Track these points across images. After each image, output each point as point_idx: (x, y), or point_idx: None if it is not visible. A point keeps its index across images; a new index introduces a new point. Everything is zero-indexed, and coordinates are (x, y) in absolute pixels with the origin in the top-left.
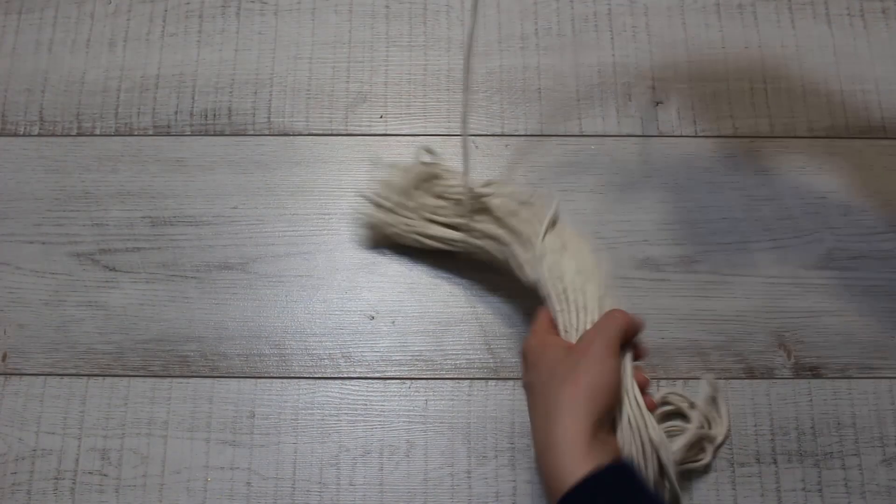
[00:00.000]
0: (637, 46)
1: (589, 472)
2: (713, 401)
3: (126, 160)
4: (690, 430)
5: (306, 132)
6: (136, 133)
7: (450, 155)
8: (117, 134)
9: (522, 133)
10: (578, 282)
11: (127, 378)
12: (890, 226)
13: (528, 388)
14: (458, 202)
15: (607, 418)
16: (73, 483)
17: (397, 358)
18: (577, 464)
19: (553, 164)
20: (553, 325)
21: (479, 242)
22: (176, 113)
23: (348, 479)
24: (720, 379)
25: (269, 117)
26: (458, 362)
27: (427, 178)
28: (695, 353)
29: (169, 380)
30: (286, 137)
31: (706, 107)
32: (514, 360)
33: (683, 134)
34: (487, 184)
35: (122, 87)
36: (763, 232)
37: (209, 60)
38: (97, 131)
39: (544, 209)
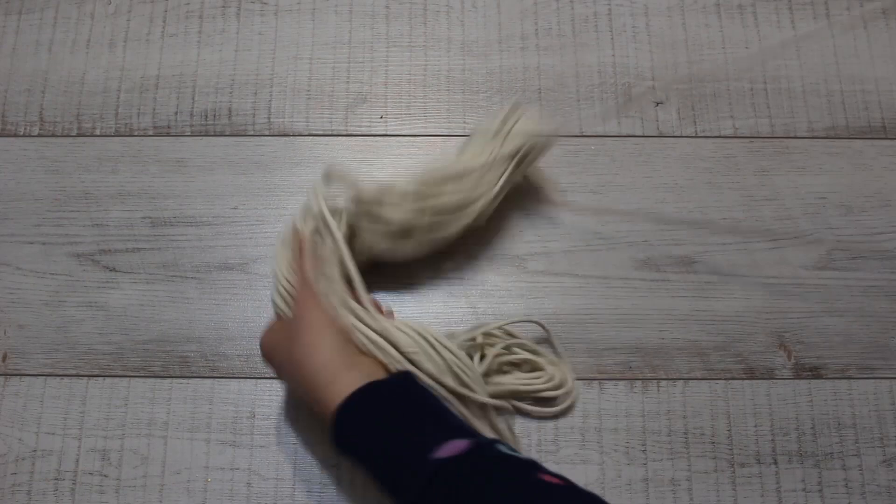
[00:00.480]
0: (637, 46)
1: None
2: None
3: (126, 161)
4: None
5: (306, 132)
6: (136, 133)
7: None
8: (117, 134)
9: None
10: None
11: (127, 378)
12: (890, 226)
13: (281, 373)
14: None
15: (349, 347)
16: (74, 483)
17: None
18: (343, 374)
19: (553, 164)
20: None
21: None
22: (176, 113)
23: (348, 479)
24: (720, 380)
25: (269, 118)
26: None
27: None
28: (695, 354)
29: (169, 380)
30: (286, 138)
31: (706, 107)
32: None
33: (683, 134)
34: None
35: (122, 88)
36: (763, 232)
37: (209, 61)
38: (97, 132)
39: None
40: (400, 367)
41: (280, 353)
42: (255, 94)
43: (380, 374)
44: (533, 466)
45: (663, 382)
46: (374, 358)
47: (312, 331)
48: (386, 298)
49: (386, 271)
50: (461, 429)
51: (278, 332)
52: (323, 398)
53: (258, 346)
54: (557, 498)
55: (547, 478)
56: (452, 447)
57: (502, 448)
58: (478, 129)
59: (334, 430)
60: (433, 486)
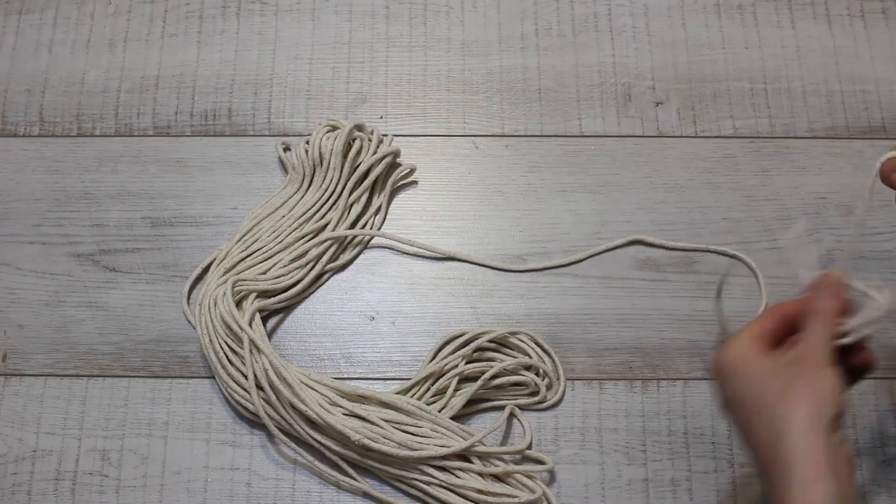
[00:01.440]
0: (637, 46)
1: None
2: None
3: (126, 161)
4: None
5: (306, 133)
6: (136, 134)
7: (449, 155)
8: (117, 134)
9: (522, 133)
10: None
11: (127, 378)
12: (890, 226)
13: (734, 405)
14: None
15: (838, 423)
16: (74, 484)
17: (397, 359)
18: (815, 483)
19: (553, 165)
20: (764, 336)
21: None
22: (176, 113)
23: (348, 479)
24: None
25: (269, 118)
26: None
27: None
28: (695, 354)
29: (169, 380)
30: (286, 138)
31: (706, 107)
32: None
33: (683, 134)
34: None
35: (122, 88)
36: (763, 232)
37: (209, 61)
38: (97, 132)
39: None
40: None
41: (748, 386)
42: (255, 94)
43: (852, 481)
44: None
45: (663, 382)
46: (845, 448)
47: (796, 402)
48: (386, 299)
49: (386, 271)
50: None
51: (762, 362)
52: (773, 489)
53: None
54: None
55: None
56: None
57: None
58: None
59: None
60: None
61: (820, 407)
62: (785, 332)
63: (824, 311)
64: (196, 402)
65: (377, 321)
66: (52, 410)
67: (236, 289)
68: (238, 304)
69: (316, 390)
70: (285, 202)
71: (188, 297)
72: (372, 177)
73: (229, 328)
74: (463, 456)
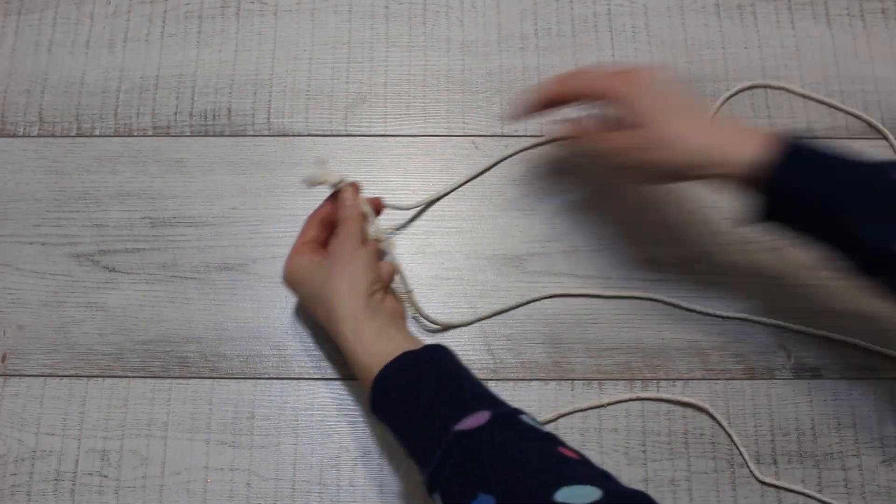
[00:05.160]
0: (637, 46)
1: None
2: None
3: (125, 161)
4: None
5: (306, 133)
6: (135, 134)
7: (449, 155)
8: (117, 135)
9: (522, 133)
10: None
11: (127, 379)
12: None
13: (306, 303)
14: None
15: (378, 285)
16: (73, 484)
17: None
18: (355, 321)
19: (553, 164)
20: (310, 242)
21: None
22: (175, 114)
23: (348, 480)
24: (720, 380)
25: (268, 118)
26: None
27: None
28: (695, 354)
29: (169, 381)
30: (286, 138)
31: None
32: (513, 360)
33: None
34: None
35: (121, 88)
36: (763, 232)
37: (209, 61)
38: (97, 132)
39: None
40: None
41: (304, 285)
42: (255, 94)
43: (399, 322)
44: (552, 440)
45: (663, 382)
46: (392, 300)
47: (343, 274)
48: None
49: None
50: (485, 400)
51: (307, 263)
52: (344, 344)
53: (282, 269)
54: (574, 470)
55: (565, 452)
56: (475, 419)
57: (524, 419)
58: None
59: (371, 399)
60: (452, 457)
61: (355, 276)
62: (326, 233)
63: (347, 217)
64: (196, 403)
65: None
66: (51, 411)
67: None
68: None
69: None
70: None
71: None
72: None
73: None
74: None
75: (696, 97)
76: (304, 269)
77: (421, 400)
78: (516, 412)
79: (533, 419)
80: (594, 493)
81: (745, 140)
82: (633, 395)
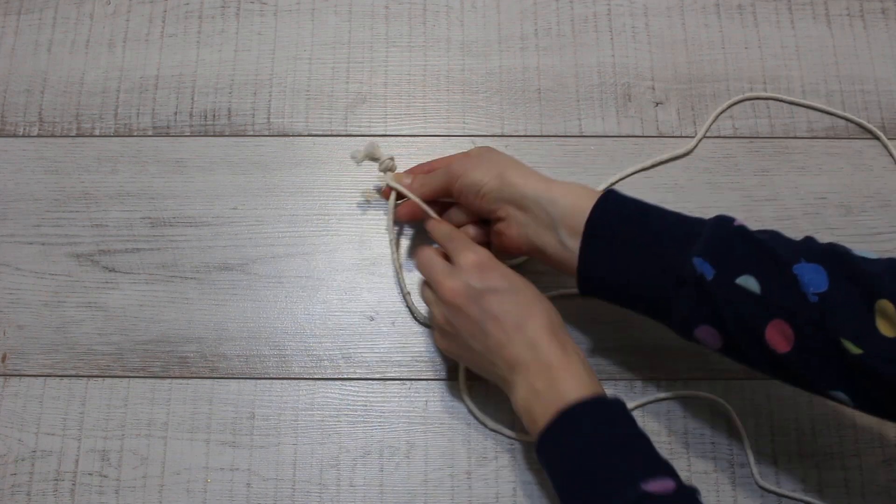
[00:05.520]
0: (637, 47)
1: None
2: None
3: (125, 161)
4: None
5: (306, 133)
6: (135, 134)
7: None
8: (116, 135)
9: (522, 133)
10: None
11: (126, 379)
12: (890, 226)
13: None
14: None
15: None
16: (73, 484)
17: (397, 359)
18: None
19: (553, 165)
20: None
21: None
22: (175, 114)
23: (348, 480)
24: (720, 380)
25: (268, 118)
26: (458, 363)
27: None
28: (695, 354)
29: (169, 381)
30: (286, 138)
31: (706, 107)
32: None
33: (683, 134)
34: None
35: (121, 88)
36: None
37: (209, 61)
38: (96, 132)
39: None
40: None
41: (463, 341)
42: (255, 94)
43: (586, 374)
44: None
45: (663, 382)
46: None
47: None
48: (386, 299)
49: (386, 272)
50: (667, 467)
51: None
52: (529, 393)
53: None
54: None
55: None
56: (661, 485)
57: (700, 499)
58: None
59: (541, 441)
60: None
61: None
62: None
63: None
64: (196, 403)
65: (377, 321)
66: (51, 411)
67: None
68: None
69: None
70: None
71: None
72: None
73: None
74: None
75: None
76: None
77: (602, 451)
78: (696, 491)
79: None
80: None
81: (574, 189)
82: (654, 397)
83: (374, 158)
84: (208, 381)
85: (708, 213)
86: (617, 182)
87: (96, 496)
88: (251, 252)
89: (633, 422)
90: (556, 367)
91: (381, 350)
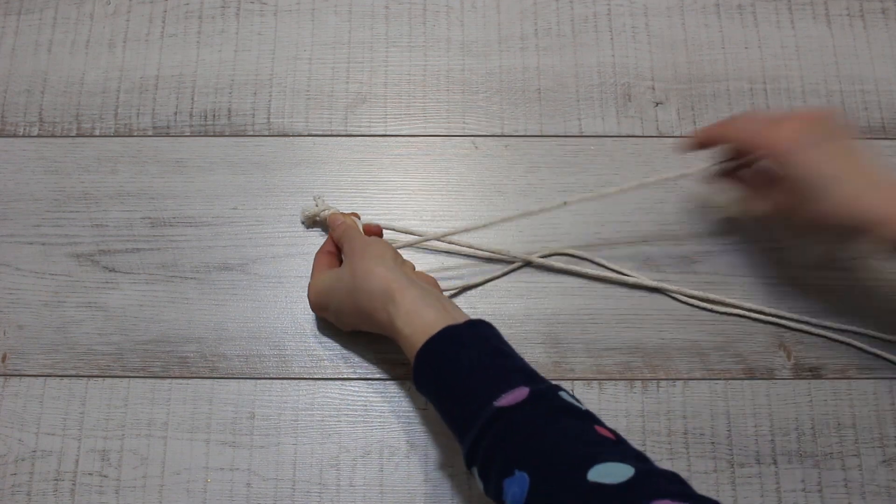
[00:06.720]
0: (637, 47)
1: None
2: None
3: (125, 161)
4: None
5: (306, 133)
6: (135, 134)
7: (449, 155)
8: (117, 135)
9: (522, 133)
10: None
11: (126, 379)
12: None
13: (339, 314)
14: None
15: (401, 262)
16: (73, 484)
17: (397, 359)
18: (404, 293)
19: (553, 165)
20: (329, 260)
21: None
22: (175, 114)
23: (348, 479)
24: (720, 380)
25: (268, 118)
26: None
27: None
28: (695, 354)
29: (169, 381)
30: (286, 138)
31: (706, 107)
32: None
33: (683, 134)
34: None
35: (121, 88)
36: (763, 232)
37: (209, 61)
38: (96, 132)
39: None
40: None
41: (334, 292)
42: (255, 94)
43: (437, 292)
44: (589, 417)
45: (663, 382)
46: (423, 274)
47: (366, 258)
48: None
49: None
50: (525, 375)
51: (327, 276)
52: (387, 321)
53: (307, 299)
54: (608, 449)
55: (602, 430)
56: (513, 396)
57: (563, 395)
58: None
59: (414, 372)
60: (490, 433)
61: (380, 253)
62: (336, 261)
63: (344, 231)
64: (196, 403)
65: None
66: (51, 411)
67: None
68: None
69: None
70: None
71: None
72: None
73: None
74: None
75: (859, 147)
76: (327, 279)
77: (461, 374)
78: (555, 388)
79: (571, 395)
80: (627, 471)
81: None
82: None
83: (314, 216)
84: (208, 381)
85: (708, 213)
86: (620, 192)
87: (96, 496)
88: (251, 252)
89: (490, 338)
90: (410, 312)
91: (381, 350)
